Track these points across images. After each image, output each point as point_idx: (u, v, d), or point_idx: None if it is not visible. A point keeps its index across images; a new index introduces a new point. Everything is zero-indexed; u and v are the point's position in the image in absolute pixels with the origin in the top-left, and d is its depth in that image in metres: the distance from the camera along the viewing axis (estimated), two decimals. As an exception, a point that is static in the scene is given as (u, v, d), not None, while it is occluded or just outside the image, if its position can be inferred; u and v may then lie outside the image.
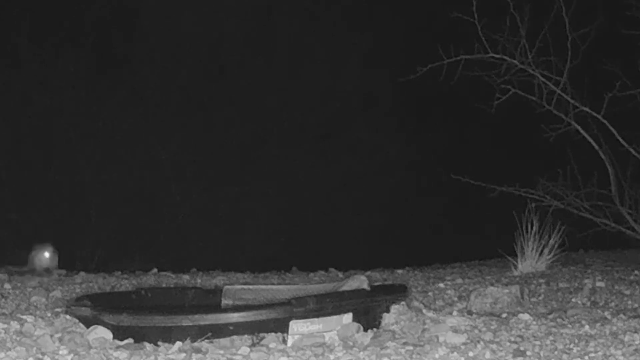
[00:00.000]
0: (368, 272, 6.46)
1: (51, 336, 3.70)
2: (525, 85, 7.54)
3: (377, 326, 3.93)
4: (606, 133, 7.50)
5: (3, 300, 5.05)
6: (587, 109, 7.45)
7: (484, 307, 4.65)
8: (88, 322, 3.77)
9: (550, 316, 4.32)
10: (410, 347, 3.51)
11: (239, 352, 3.47)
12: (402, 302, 4.10)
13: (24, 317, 4.02)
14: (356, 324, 3.76)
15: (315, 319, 3.66)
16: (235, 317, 3.64)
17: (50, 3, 10.72)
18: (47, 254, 6.65)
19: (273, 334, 3.64)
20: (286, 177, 11.39)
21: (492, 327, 3.95)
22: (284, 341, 3.63)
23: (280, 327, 3.63)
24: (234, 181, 11.24)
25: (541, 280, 5.65)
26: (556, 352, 3.49)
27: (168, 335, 3.61)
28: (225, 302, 4.32)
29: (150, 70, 11.11)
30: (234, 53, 11.62)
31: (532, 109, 7.61)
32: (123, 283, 5.93)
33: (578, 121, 7.49)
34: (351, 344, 3.63)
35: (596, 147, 7.53)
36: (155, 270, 6.77)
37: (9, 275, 6.09)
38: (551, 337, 3.75)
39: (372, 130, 11.53)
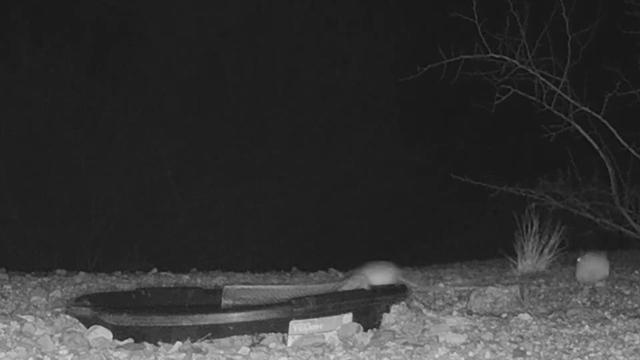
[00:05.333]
0: (368, 272, 6.44)
1: (51, 336, 3.69)
2: (525, 85, 7.54)
3: (377, 326, 3.94)
4: (606, 133, 7.50)
5: (3, 300, 5.04)
6: (587, 109, 7.45)
7: (484, 307, 4.65)
8: (88, 322, 3.77)
9: (550, 316, 4.32)
10: (410, 347, 3.51)
11: (239, 352, 3.47)
12: (402, 302, 4.10)
13: (24, 317, 4.01)
14: (356, 324, 3.76)
15: (315, 319, 3.66)
16: (235, 317, 3.64)
17: (50, 3, 10.72)
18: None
19: (273, 334, 3.64)
20: (286, 177, 11.39)
21: (492, 327, 3.95)
22: (284, 341, 3.63)
23: (280, 327, 3.63)
24: (234, 181, 11.24)
25: (541, 280, 5.65)
26: (556, 352, 3.49)
27: (168, 335, 3.61)
28: (225, 302, 4.32)
29: (150, 70, 11.11)
30: (234, 53, 11.63)
31: (532, 109, 7.61)
32: (123, 283, 5.93)
33: (578, 121, 7.49)
34: (351, 344, 3.63)
35: (596, 147, 7.52)
36: (155, 270, 6.77)
37: (9, 276, 6.09)
38: (551, 337, 3.75)
39: (372, 130, 11.53)
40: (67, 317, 3.95)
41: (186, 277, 6.32)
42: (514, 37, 7.44)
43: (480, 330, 3.89)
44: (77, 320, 3.87)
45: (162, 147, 10.85)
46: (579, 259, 5.65)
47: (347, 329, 3.72)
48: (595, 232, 7.81)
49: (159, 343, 3.61)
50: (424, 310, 4.23)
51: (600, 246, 8.10)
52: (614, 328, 3.92)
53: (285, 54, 11.72)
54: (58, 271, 6.70)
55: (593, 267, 5.57)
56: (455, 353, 3.45)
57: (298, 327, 3.63)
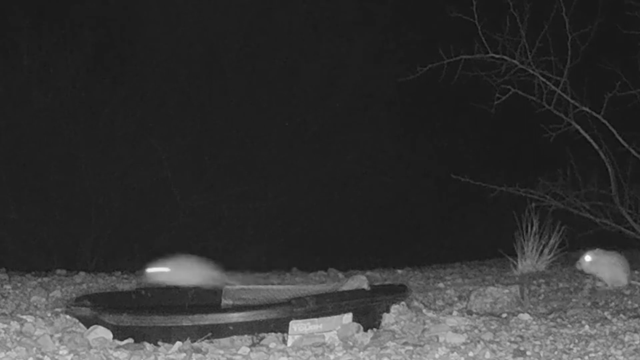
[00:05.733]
0: (368, 272, 6.46)
1: (51, 336, 3.70)
2: (525, 85, 7.53)
3: (377, 326, 3.94)
4: (606, 133, 7.50)
5: (3, 300, 5.05)
6: (587, 109, 7.45)
7: (484, 307, 4.65)
8: (88, 322, 3.77)
9: (550, 316, 4.32)
10: (410, 347, 3.51)
11: (239, 352, 3.47)
12: (402, 302, 4.10)
13: (24, 317, 4.01)
14: (356, 324, 3.76)
15: (315, 319, 3.66)
16: (235, 317, 3.64)
17: (50, 3, 10.72)
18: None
19: (273, 334, 3.64)
20: (286, 177, 11.39)
21: (492, 327, 3.95)
22: (284, 341, 3.63)
23: (280, 327, 3.63)
24: (234, 181, 11.24)
25: (541, 280, 5.65)
26: (556, 352, 3.49)
27: (168, 335, 3.61)
28: (225, 302, 4.32)
29: (150, 70, 11.11)
30: (233, 53, 11.62)
31: (532, 109, 7.60)
32: (123, 283, 5.93)
33: (578, 121, 7.49)
34: (351, 344, 3.63)
35: (596, 147, 7.52)
36: (155, 270, 6.75)
37: (9, 276, 6.09)
38: (551, 337, 3.75)
39: (372, 130, 11.52)
40: (67, 317, 3.95)
41: (186, 277, 6.31)
42: (514, 37, 7.44)
43: (480, 330, 3.89)
44: (77, 320, 3.87)
45: (162, 147, 10.85)
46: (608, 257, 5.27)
47: (347, 329, 3.72)
48: (595, 232, 7.80)
49: (159, 343, 3.61)
50: (424, 310, 4.23)
51: (601, 246, 8.12)
52: (614, 328, 3.92)
53: (285, 54, 11.72)
54: (58, 271, 6.70)
55: (625, 266, 5.36)
56: (455, 353, 3.45)
57: (298, 327, 3.63)
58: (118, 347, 3.57)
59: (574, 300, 5.01)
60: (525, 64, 7.44)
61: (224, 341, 3.60)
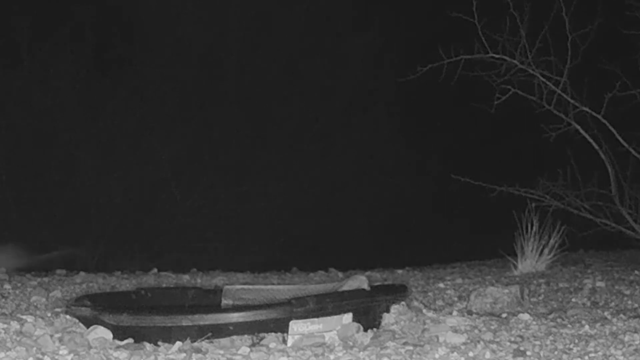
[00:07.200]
0: (368, 272, 6.46)
1: (51, 336, 3.70)
2: (525, 85, 7.53)
3: (377, 326, 3.94)
4: (606, 133, 7.50)
5: (3, 300, 5.05)
6: (587, 109, 7.45)
7: (484, 307, 4.65)
8: (88, 322, 3.77)
9: (550, 316, 4.32)
10: (410, 347, 3.51)
11: (239, 352, 3.47)
12: (402, 302, 4.10)
13: (24, 317, 4.02)
14: (356, 324, 3.76)
15: (315, 319, 3.67)
16: (235, 317, 3.65)
17: (50, 3, 10.72)
18: None
19: (273, 334, 3.64)
20: (286, 177, 11.39)
21: (492, 327, 3.95)
22: (284, 341, 3.63)
23: (280, 327, 3.63)
24: (234, 181, 11.24)
25: (541, 280, 5.66)
26: (556, 352, 3.49)
27: (168, 335, 3.61)
28: (225, 302, 4.32)
29: (150, 70, 11.11)
30: (233, 53, 11.63)
31: (532, 109, 7.61)
32: (123, 283, 5.94)
33: (578, 121, 7.49)
34: (351, 344, 3.63)
35: (596, 147, 7.52)
36: (155, 270, 6.78)
37: (9, 276, 6.09)
38: (551, 337, 3.75)
39: (372, 130, 11.52)
40: (67, 317, 3.95)
41: (186, 277, 6.33)
42: (514, 37, 7.44)
43: (480, 330, 3.89)
44: (77, 320, 3.87)
45: (162, 147, 10.85)
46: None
47: (347, 329, 3.73)
48: (595, 232, 7.80)
49: (159, 343, 3.61)
50: (424, 310, 4.23)
51: (601, 246, 8.13)
52: (614, 328, 3.92)
53: (285, 54, 11.71)
54: (58, 271, 6.71)
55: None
56: (455, 353, 3.45)
57: (298, 327, 3.63)
58: (118, 347, 3.57)
59: (574, 300, 5.01)
60: (525, 64, 7.43)
61: (224, 341, 3.60)
